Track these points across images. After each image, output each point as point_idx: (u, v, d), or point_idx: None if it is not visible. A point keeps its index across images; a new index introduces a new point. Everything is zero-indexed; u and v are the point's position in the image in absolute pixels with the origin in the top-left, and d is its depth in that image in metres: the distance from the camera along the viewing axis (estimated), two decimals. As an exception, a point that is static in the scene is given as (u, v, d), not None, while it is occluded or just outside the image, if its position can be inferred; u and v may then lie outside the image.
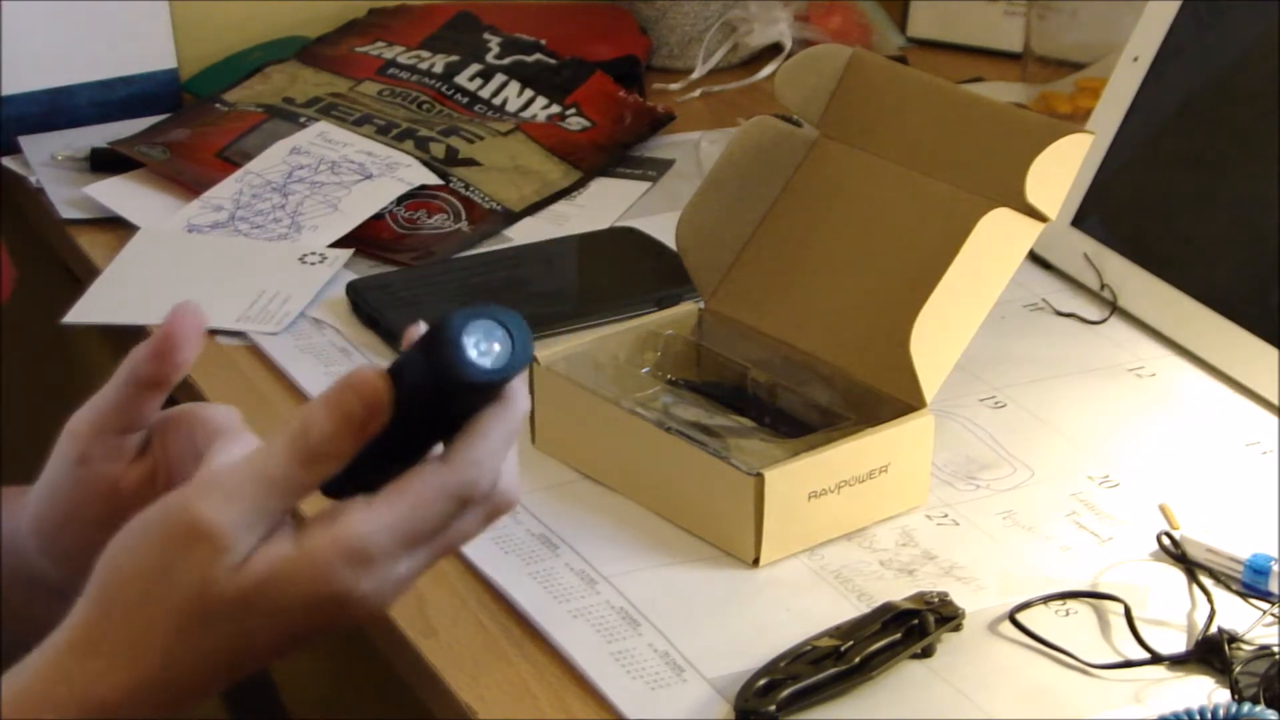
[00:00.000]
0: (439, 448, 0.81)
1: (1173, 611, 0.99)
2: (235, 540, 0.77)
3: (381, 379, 0.78)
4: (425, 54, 1.57)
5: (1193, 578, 1.01)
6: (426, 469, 0.80)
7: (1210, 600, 0.99)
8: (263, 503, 0.78)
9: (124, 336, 1.34)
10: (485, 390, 0.79)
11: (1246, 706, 0.87)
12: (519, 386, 0.81)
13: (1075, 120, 1.33)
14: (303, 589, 0.78)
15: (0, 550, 0.96)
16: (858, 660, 0.93)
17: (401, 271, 1.32)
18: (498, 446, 0.81)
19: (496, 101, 1.53)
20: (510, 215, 1.41)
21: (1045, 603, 1.00)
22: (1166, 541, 1.03)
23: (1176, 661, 0.95)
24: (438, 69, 1.55)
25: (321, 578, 0.78)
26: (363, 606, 0.79)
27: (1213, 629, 0.96)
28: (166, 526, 0.78)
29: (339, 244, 1.35)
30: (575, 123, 1.51)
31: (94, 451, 0.91)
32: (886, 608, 0.96)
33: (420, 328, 0.82)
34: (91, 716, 0.77)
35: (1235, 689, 0.93)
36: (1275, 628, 0.97)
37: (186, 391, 1.24)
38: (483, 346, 0.78)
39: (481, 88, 1.54)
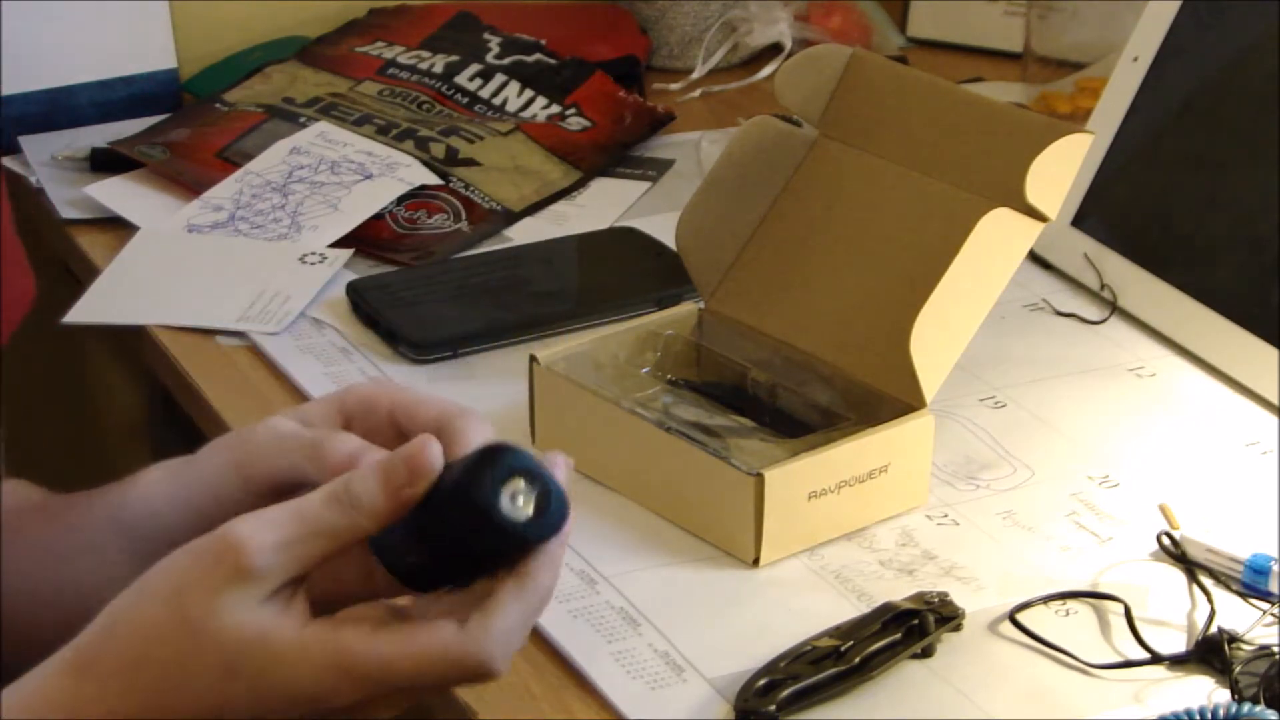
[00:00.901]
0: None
1: (1173, 611, 0.99)
2: (260, 560, 0.77)
3: (431, 453, 0.79)
4: (425, 54, 1.57)
5: (1193, 578, 1.01)
6: (442, 629, 0.79)
7: (1210, 600, 0.99)
8: (294, 535, 0.78)
9: (124, 336, 1.35)
10: (510, 541, 0.80)
11: (1246, 706, 0.87)
12: (543, 568, 0.80)
13: (1075, 120, 1.33)
14: (284, 674, 0.78)
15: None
16: (858, 660, 0.93)
17: (401, 271, 1.32)
18: (514, 625, 0.80)
19: (496, 101, 1.53)
20: (510, 215, 1.41)
21: (1045, 603, 1.00)
22: (1166, 541, 1.03)
23: (1176, 661, 0.95)
24: (438, 69, 1.55)
25: (306, 674, 0.78)
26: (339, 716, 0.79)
27: (1213, 629, 0.96)
28: (198, 545, 0.78)
29: (339, 244, 1.35)
30: (575, 123, 1.51)
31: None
32: (886, 608, 0.96)
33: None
34: None
35: (1235, 689, 0.93)
36: (1275, 628, 0.97)
37: (186, 392, 1.24)
38: (519, 501, 0.79)
39: (481, 88, 1.54)
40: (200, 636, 0.77)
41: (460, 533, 0.79)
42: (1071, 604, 1.00)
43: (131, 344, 1.35)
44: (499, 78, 1.55)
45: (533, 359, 1.11)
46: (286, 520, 0.78)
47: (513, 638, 0.80)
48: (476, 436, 0.84)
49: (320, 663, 0.78)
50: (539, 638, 0.97)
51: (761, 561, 1.02)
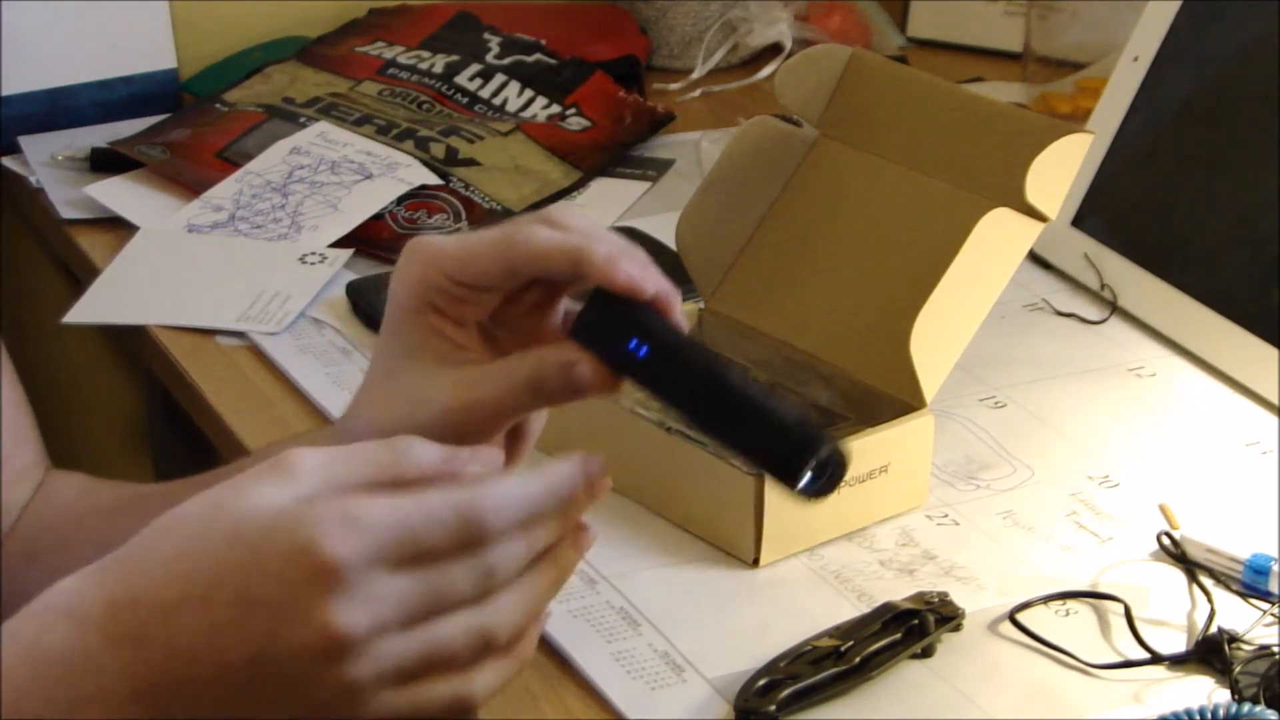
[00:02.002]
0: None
1: (1173, 611, 0.99)
2: (306, 470, 0.76)
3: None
4: (425, 54, 1.57)
5: (1193, 578, 1.01)
6: (441, 489, 0.78)
7: (1210, 600, 0.99)
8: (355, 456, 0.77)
9: (124, 336, 1.35)
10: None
11: (1246, 706, 0.87)
12: (576, 467, 0.80)
13: (1075, 120, 1.33)
14: (285, 527, 0.75)
15: None
16: (858, 660, 0.93)
17: (401, 271, 1.32)
18: (527, 492, 0.78)
19: (496, 101, 1.53)
20: (510, 215, 1.41)
21: (1045, 603, 1.00)
22: (1166, 541, 1.03)
23: (1176, 661, 0.95)
24: (438, 69, 1.55)
25: (307, 518, 0.75)
26: (333, 588, 0.75)
27: (1213, 629, 0.96)
28: (284, 534, 0.76)
29: (339, 244, 1.35)
30: (575, 123, 1.51)
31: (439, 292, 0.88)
32: (886, 608, 0.96)
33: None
34: (67, 624, 0.75)
35: (1235, 689, 0.93)
36: (1275, 628, 0.97)
37: (186, 392, 1.24)
38: (815, 475, 0.81)
39: (481, 88, 1.54)
40: (218, 509, 0.76)
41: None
42: (1071, 604, 1.00)
43: (131, 344, 1.35)
44: (499, 78, 1.55)
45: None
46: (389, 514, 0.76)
47: (523, 501, 0.78)
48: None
49: (325, 509, 0.75)
50: (539, 637, 0.97)
51: (761, 561, 1.02)
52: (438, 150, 1.45)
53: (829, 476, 0.81)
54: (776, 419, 0.81)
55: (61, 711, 0.75)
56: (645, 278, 0.85)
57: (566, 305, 0.89)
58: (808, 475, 0.80)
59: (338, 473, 0.77)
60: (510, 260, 0.86)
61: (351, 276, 1.31)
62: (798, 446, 0.80)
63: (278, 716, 0.77)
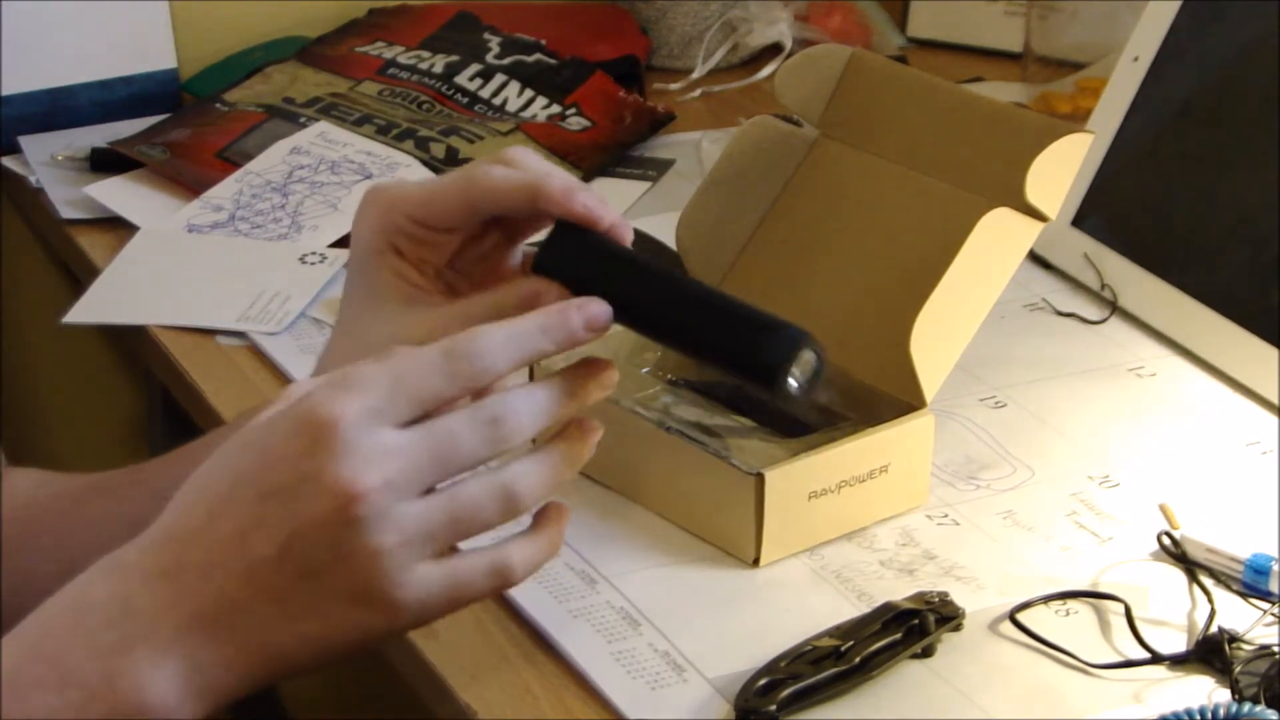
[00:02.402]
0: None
1: (1173, 611, 0.99)
2: (305, 384, 0.78)
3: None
4: (425, 54, 1.57)
5: (1193, 578, 1.01)
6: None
7: (1210, 600, 0.99)
8: (391, 389, 0.78)
9: (124, 336, 1.35)
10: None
11: (1246, 706, 0.87)
12: (557, 302, 0.83)
13: (1075, 120, 1.33)
14: (286, 412, 0.77)
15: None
16: (858, 660, 0.93)
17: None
18: (500, 328, 0.80)
19: (496, 101, 1.53)
20: (510, 215, 1.41)
21: (1045, 603, 1.00)
22: (1166, 541, 1.03)
23: (1176, 661, 0.95)
24: (438, 69, 1.55)
25: (302, 394, 0.77)
26: (337, 448, 0.76)
27: (1213, 629, 0.96)
28: (284, 417, 0.78)
29: (339, 244, 1.35)
30: (575, 123, 1.52)
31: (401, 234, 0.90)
32: (886, 608, 0.96)
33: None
34: (106, 571, 0.77)
35: (1235, 689, 0.93)
36: (1275, 628, 0.97)
37: (186, 392, 1.24)
38: (800, 375, 0.83)
39: (481, 88, 1.54)
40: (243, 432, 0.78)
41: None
42: (1071, 604, 1.00)
43: (131, 344, 1.35)
44: (499, 78, 1.55)
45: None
46: (381, 376, 0.78)
47: (502, 334, 0.80)
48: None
49: (317, 382, 0.78)
50: (539, 638, 0.97)
51: (761, 561, 1.02)
52: (438, 150, 1.45)
53: (813, 374, 0.81)
54: (755, 319, 0.82)
55: (108, 656, 0.76)
56: (602, 208, 0.87)
57: (525, 249, 0.90)
58: (795, 375, 0.80)
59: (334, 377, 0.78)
60: (470, 197, 0.88)
61: (351, 276, 1.31)
62: (782, 342, 0.81)
63: (330, 623, 0.77)
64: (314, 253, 1.33)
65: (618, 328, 1.14)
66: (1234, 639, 0.95)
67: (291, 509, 0.76)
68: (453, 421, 0.79)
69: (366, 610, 0.78)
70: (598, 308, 0.84)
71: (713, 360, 0.85)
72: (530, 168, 0.88)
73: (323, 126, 1.47)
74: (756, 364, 0.82)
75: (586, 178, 1.46)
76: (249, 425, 0.78)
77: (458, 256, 0.91)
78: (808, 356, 0.82)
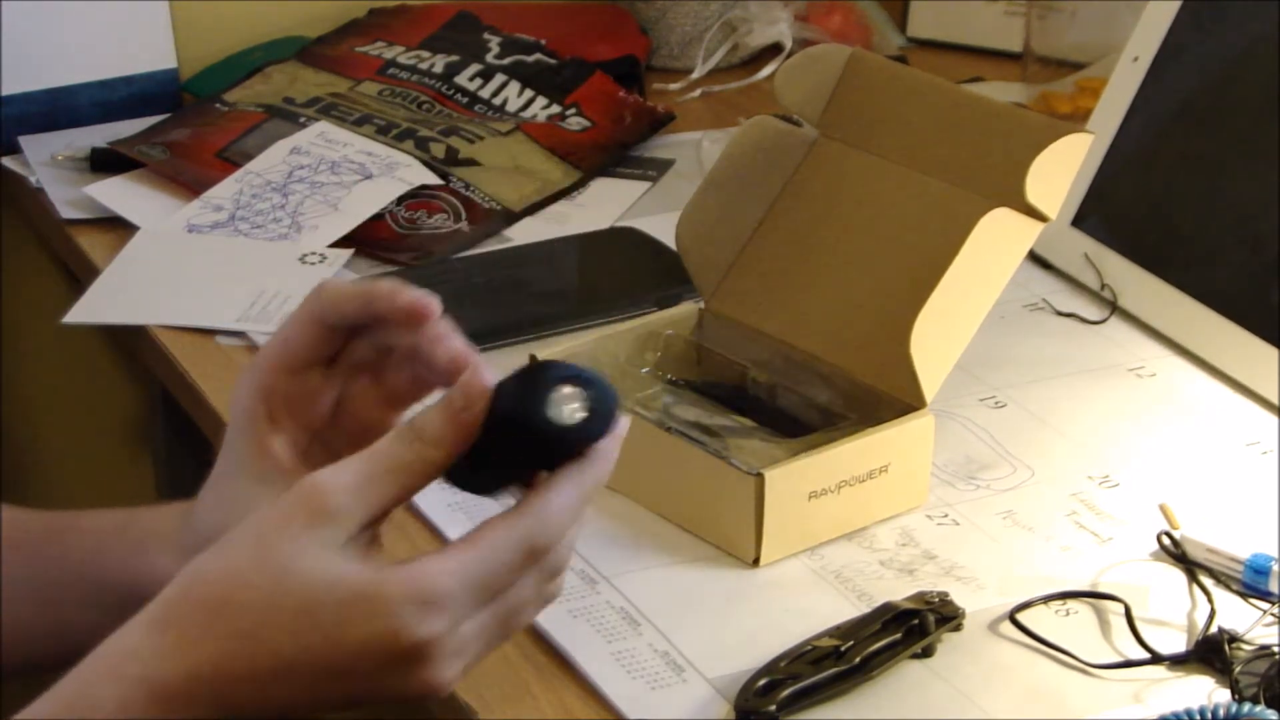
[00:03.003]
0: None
1: (1173, 611, 0.99)
2: (337, 500, 0.78)
3: (482, 376, 0.82)
4: (425, 54, 1.57)
5: (1193, 578, 1.01)
6: (497, 518, 0.81)
7: (1210, 600, 0.99)
8: (368, 473, 0.79)
9: (124, 336, 1.35)
10: (564, 444, 0.82)
11: (1246, 706, 0.87)
12: (607, 454, 0.83)
13: (1075, 120, 1.33)
14: (361, 613, 0.78)
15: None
16: (858, 660, 0.93)
17: (401, 271, 1.32)
18: (569, 502, 0.82)
19: (496, 101, 1.53)
20: (510, 215, 1.41)
21: (1045, 603, 1.00)
22: (1166, 541, 1.03)
23: (1176, 661, 0.95)
24: (438, 69, 1.55)
25: (383, 608, 0.78)
26: (422, 661, 0.79)
27: (1213, 629, 0.96)
28: (280, 500, 0.79)
29: (339, 244, 1.35)
30: (575, 123, 1.51)
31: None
32: (886, 608, 0.96)
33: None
34: (149, 698, 0.77)
35: (1235, 689, 0.93)
36: (1275, 628, 0.97)
37: (186, 392, 1.24)
38: (568, 407, 0.81)
39: (481, 88, 1.54)
40: (283, 578, 0.78)
41: (521, 445, 0.82)
42: (1071, 604, 1.00)
43: (131, 344, 1.35)
44: (499, 78, 1.55)
45: (532, 359, 1.11)
46: (359, 461, 0.80)
47: (570, 511, 0.82)
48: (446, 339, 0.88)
49: (400, 594, 0.78)
50: (539, 637, 0.97)
51: (761, 561, 1.02)
52: (438, 150, 1.45)
53: (585, 398, 0.81)
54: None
55: None
56: (427, 301, 0.88)
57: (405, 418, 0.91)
58: (557, 406, 0.81)
59: (371, 500, 0.80)
60: (313, 310, 0.90)
61: (352, 276, 1.31)
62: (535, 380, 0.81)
63: (374, 703, 0.81)
64: (314, 253, 1.33)
65: (619, 327, 1.14)
66: (1234, 639, 0.95)
67: (368, 687, 0.80)
68: (523, 592, 0.83)
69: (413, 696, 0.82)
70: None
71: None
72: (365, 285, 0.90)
73: (323, 126, 1.47)
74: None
75: (586, 178, 1.46)
76: (308, 582, 0.79)
77: (339, 415, 0.92)
78: (563, 391, 0.82)
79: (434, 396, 0.86)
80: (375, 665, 0.79)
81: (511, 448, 0.82)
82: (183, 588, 0.79)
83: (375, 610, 0.78)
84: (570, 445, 0.82)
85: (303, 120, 1.47)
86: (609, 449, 0.83)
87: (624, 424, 0.83)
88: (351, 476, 0.79)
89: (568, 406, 0.81)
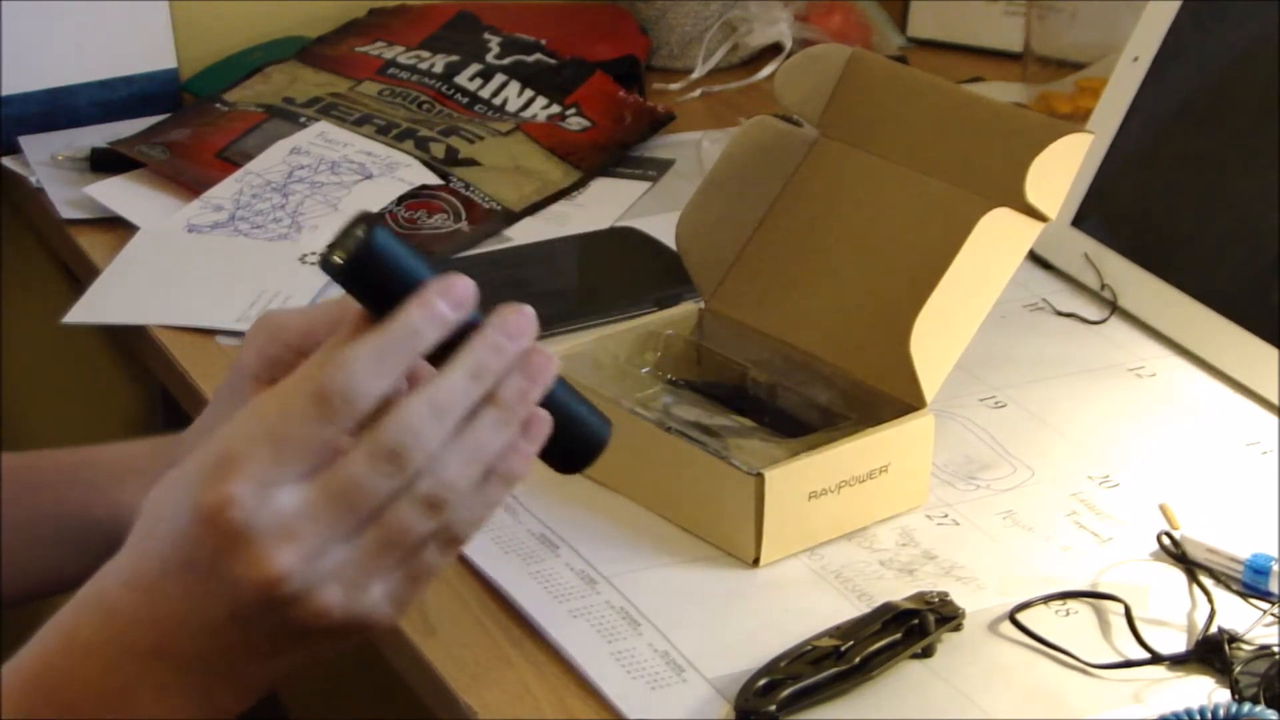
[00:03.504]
0: None
1: (1173, 611, 0.99)
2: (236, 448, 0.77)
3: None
4: (425, 54, 1.57)
5: (1193, 578, 1.01)
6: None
7: (1210, 600, 0.99)
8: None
9: (124, 336, 1.35)
10: (353, 285, 0.79)
11: (1246, 706, 0.87)
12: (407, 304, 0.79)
13: (1075, 120, 1.33)
14: (168, 494, 0.77)
15: None
16: (858, 660, 0.93)
17: (401, 271, 1.32)
18: (360, 350, 0.77)
19: (496, 101, 1.53)
20: (510, 215, 1.41)
21: (1045, 603, 1.00)
22: (1166, 541, 1.03)
23: (1176, 661, 0.95)
24: (438, 69, 1.55)
25: (180, 478, 0.76)
26: (238, 538, 0.75)
27: (1213, 629, 0.96)
28: (182, 511, 0.78)
29: (339, 244, 1.35)
30: (575, 123, 1.52)
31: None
32: (886, 608, 0.96)
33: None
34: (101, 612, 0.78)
35: (1235, 689, 0.93)
36: (1275, 628, 0.97)
37: (186, 392, 1.24)
38: (339, 247, 0.78)
39: (481, 88, 1.54)
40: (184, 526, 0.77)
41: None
42: (1071, 604, 1.00)
43: (131, 344, 1.35)
44: (499, 78, 1.55)
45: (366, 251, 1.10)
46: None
47: (363, 356, 0.77)
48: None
49: (194, 463, 0.77)
50: (539, 638, 0.97)
51: (761, 561, 1.02)
52: (438, 150, 1.45)
53: (358, 239, 0.78)
54: None
55: (117, 700, 0.78)
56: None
57: None
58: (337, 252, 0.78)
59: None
60: (337, 316, 0.87)
61: (351, 276, 1.31)
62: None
63: (314, 651, 0.79)
64: (314, 253, 1.33)
65: (619, 327, 1.14)
66: (1234, 639, 0.95)
67: (227, 599, 0.77)
68: (350, 467, 0.77)
69: (344, 638, 0.79)
70: (461, 284, 0.81)
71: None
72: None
73: (323, 126, 1.47)
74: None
75: (586, 178, 1.46)
76: (162, 500, 0.78)
77: None
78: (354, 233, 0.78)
79: None
80: (212, 565, 0.76)
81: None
82: (136, 542, 0.79)
83: (188, 493, 0.76)
84: (348, 281, 0.79)
85: (303, 120, 1.47)
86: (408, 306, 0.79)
87: (442, 283, 0.80)
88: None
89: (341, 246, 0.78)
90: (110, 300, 1.30)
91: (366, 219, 0.80)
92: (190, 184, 1.41)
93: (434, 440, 0.77)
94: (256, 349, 0.90)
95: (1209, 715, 0.87)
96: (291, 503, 0.76)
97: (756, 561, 1.02)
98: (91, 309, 1.30)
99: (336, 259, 0.78)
